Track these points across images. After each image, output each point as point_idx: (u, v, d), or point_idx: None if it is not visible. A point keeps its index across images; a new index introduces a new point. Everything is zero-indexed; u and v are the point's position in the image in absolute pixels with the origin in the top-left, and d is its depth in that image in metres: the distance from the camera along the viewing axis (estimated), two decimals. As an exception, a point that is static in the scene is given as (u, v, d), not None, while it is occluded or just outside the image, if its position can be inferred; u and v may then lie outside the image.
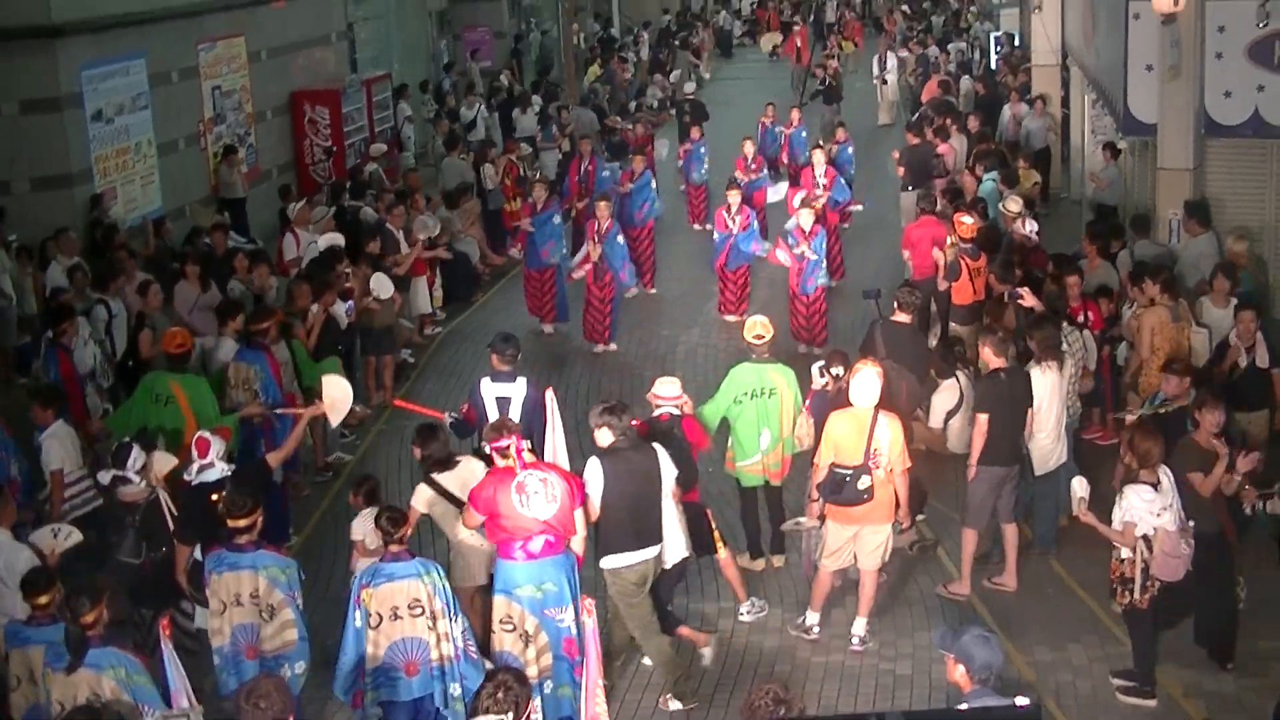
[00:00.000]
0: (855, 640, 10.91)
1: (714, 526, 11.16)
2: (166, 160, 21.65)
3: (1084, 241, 15.81)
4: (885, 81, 34.77)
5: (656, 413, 11.08)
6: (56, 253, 16.93)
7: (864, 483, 10.43)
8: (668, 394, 11.09)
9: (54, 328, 13.80)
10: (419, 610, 8.91)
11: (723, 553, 11.20)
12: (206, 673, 9.57)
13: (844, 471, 10.46)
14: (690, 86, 34.63)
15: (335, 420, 12.49)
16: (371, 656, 8.97)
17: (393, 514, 9.17)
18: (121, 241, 17.83)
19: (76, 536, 10.01)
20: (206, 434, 10.46)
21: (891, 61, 34.94)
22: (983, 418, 11.38)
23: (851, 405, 10.62)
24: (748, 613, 11.45)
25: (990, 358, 11.53)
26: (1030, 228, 16.49)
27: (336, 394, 11.97)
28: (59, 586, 8.42)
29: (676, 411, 11.07)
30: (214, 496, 9.96)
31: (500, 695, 6.92)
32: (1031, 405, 11.56)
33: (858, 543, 10.74)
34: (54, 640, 8.15)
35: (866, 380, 10.51)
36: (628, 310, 19.04)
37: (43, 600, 8.35)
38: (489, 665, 9.09)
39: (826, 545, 10.88)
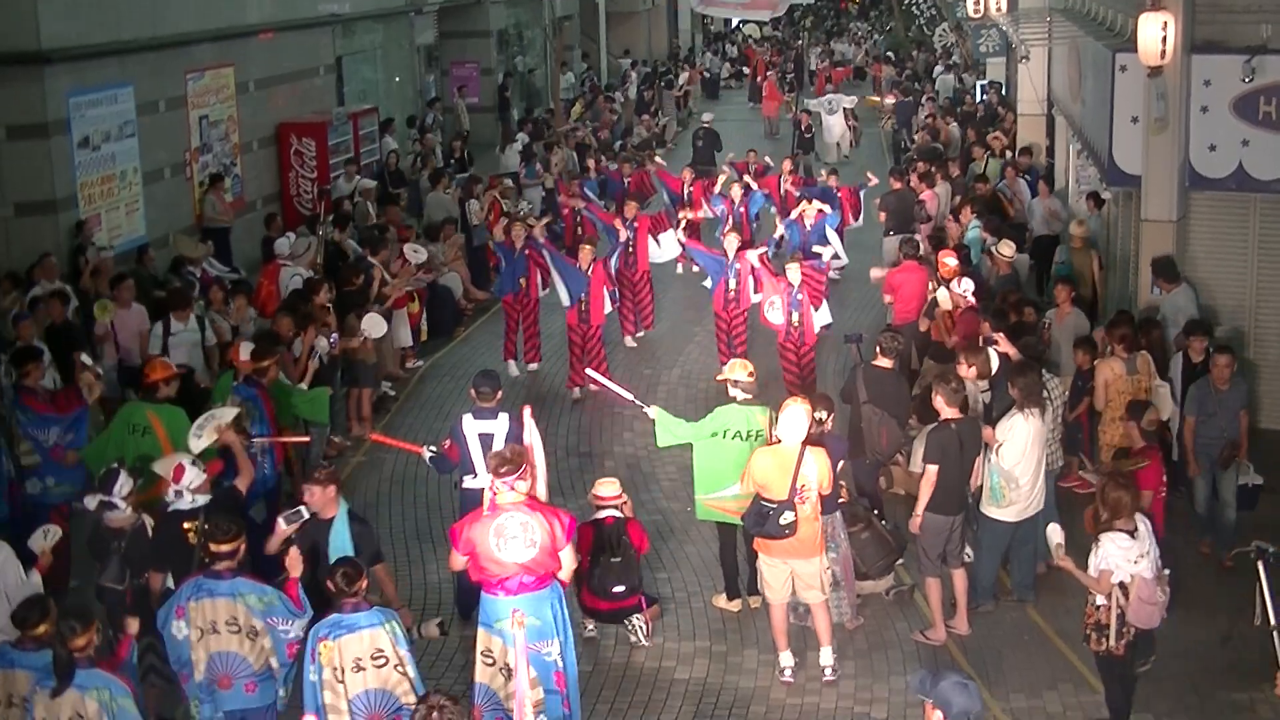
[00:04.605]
0: (827, 671, 10.90)
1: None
2: (152, 188, 21.59)
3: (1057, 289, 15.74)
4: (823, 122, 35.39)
5: (600, 515, 11.20)
6: (40, 277, 16.89)
7: (786, 518, 10.43)
8: (607, 494, 11.37)
9: (17, 370, 13.12)
10: (382, 660, 8.62)
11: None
12: (178, 702, 9.52)
13: (769, 505, 10.48)
14: (672, 129, 34.88)
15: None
16: (334, 709, 8.61)
17: (348, 569, 8.80)
18: (106, 267, 17.80)
19: (57, 532, 10.14)
20: (185, 461, 10.31)
21: (827, 104, 35.43)
22: (932, 469, 11.36)
23: (779, 443, 10.64)
24: (594, 629, 11.55)
25: (943, 407, 11.45)
26: (966, 286, 15.44)
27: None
28: (53, 617, 8.35)
29: (618, 514, 11.18)
30: (185, 525, 9.91)
31: (435, 717, 6.93)
32: (979, 454, 11.57)
33: (795, 580, 10.78)
34: (41, 666, 8.10)
35: (794, 417, 10.52)
36: (611, 349, 19.03)
37: (39, 632, 8.27)
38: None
39: (765, 581, 10.95)
